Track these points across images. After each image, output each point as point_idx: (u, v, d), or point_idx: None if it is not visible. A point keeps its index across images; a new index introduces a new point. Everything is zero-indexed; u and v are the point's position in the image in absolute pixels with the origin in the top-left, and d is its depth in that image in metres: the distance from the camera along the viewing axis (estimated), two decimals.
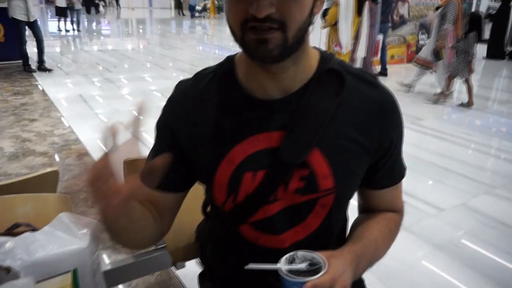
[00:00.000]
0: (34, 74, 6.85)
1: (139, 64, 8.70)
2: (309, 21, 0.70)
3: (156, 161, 0.65)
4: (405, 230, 2.44)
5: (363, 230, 0.85)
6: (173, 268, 1.44)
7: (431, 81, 6.55)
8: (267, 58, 0.69)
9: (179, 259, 1.26)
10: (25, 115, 4.75)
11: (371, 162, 0.81)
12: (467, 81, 5.79)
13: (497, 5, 11.25)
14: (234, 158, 0.77)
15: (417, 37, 9.45)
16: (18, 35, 6.58)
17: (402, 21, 8.96)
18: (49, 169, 1.30)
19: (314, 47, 0.82)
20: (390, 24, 7.93)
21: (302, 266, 0.68)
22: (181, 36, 15.56)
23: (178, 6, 26.15)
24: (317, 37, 5.96)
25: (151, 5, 30.24)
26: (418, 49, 8.46)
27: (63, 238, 0.89)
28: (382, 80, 6.50)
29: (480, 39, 5.68)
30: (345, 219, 0.94)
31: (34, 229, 0.97)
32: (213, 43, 12.58)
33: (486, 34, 9.71)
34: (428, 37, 7.07)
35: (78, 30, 13.65)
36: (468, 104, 5.84)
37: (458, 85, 6.51)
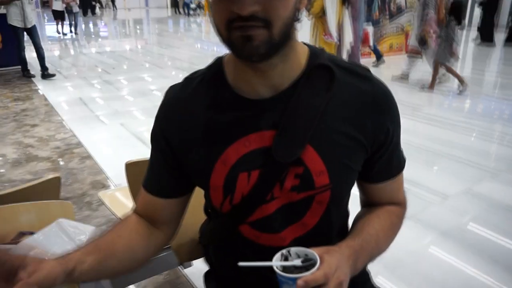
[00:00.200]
0: (33, 79, 6.86)
1: (138, 64, 8.70)
2: (294, 17, 0.70)
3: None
4: (411, 219, 2.46)
5: (363, 225, 0.84)
6: (180, 267, 1.44)
7: (428, 69, 6.54)
8: (253, 56, 0.69)
9: (185, 259, 1.26)
10: (26, 121, 4.77)
11: (366, 155, 0.81)
12: (448, 69, 5.88)
13: None
14: (227, 160, 0.77)
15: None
16: (16, 41, 6.58)
17: (400, 10, 8.91)
18: (51, 176, 1.30)
19: (303, 43, 0.82)
20: (376, 18, 8.13)
21: (296, 262, 0.67)
22: (178, 35, 15.53)
23: (175, 5, 26.08)
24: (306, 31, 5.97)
25: (147, 5, 30.18)
26: None
27: (64, 242, 0.89)
28: (382, 67, 6.51)
29: (460, 25, 5.85)
30: (346, 214, 0.93)
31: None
32: (210, 41, 12.54)
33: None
34: None
35: (76, 33, 13.64)
36: (463, 86, 5.86)
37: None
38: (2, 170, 3.45)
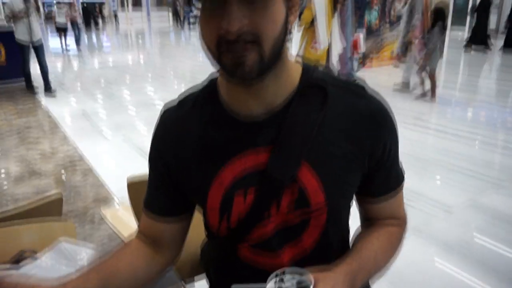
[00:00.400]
0: (37, 93, 6.91)
1: (140, 77, 8.76)
2: (285, 31, 0.70)
3: None
4: (413, 230, 2.44)
5: (361, 245, 0.83)
6: (182, 282, 1.44)
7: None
8: (246, 80, 0.69)
9: (186, 275, 1.26)
10: (29, 135, 4.79)
11: (363, 171, 0.80)
12: (431, 76, 5.93)
13: None
14: (223, 179, 0.77)
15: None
16: (21, 56, 6.64)
17: (400, 19, 8.98)
18: (53, 192, 1.30)
19: (296, 60, 0.82)
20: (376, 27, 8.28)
21: (290, 285, 0.66)
22: (180, 47, 15.64)
23: (176, 16, 26.30)
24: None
25: (149, 16, 30.42)
26: None
27: (64, 265, 0.89)
28: (384, 75, 6.50)
29: (445, 29, 5.96)
30: (346, 230, 0.92)
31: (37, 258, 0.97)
32: None
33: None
34: None
35: (79, 49, 13.67)
36: (432, 96, 5.95)
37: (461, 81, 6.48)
38: (5, 186, 3.46)
